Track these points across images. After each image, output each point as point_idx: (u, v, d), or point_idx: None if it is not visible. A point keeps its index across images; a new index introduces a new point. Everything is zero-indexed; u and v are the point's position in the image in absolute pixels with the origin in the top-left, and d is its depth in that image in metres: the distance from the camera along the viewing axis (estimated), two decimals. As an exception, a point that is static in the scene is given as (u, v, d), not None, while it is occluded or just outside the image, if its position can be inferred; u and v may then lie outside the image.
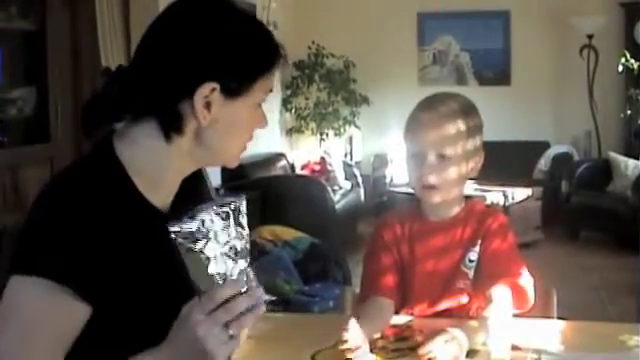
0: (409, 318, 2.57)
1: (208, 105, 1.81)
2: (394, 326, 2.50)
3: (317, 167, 10.66)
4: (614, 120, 10.82)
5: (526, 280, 2.54)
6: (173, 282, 1.81)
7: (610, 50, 10.64)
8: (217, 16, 1.86)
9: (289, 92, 11.19)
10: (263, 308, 1.76)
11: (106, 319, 1.78)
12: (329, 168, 10.49)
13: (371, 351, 2.30)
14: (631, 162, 9.77)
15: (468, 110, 2.61)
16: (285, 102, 11.18)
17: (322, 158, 10.70)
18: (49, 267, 1.70)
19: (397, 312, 2.63)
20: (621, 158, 9.97)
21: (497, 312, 2.33)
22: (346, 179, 10.55)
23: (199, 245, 1.63)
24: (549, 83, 11.25)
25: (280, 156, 10.21)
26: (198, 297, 1.66)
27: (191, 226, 1.64)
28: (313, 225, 7.96)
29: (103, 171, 1.84)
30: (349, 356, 2.21)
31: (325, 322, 2.73)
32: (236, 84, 1.84)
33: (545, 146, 10.90)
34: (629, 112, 10.42)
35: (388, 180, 10.96)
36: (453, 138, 2.53)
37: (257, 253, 7.09)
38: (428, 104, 2.62)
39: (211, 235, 1.64)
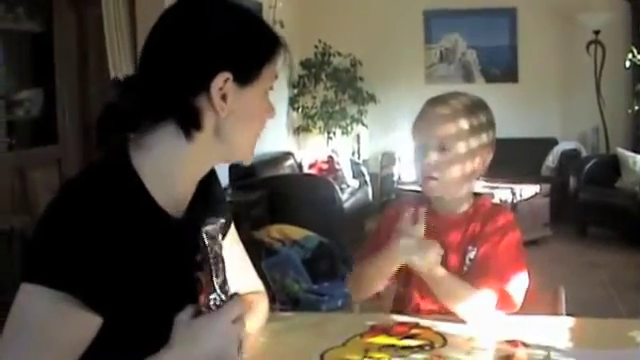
0: (416, 319, 2.57)
1: (224, 97, 1.84)
2: (402, 324, 2.50)
3: (325, 166, 10.65)
4: (622, 116, 10.79)
5: (516, 284, 2.54)
6: (183, 290, 1.82)
7: (617, 46, 10.62)
8: (218, 8, 1.89)
9: (296, 91, 11.19)
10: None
11: (117, 328, 1.79)
12: (337, 167, 10.48)
13: (380, 348, 2.30)
14: (639, 158, 9.75)
15: (475, 107, 2.62)
16: (292, 101, 11.19)
17: (330, 157, 10.70)
18: (60, 278, 1.70)
19: (403, 310, 2.64)
20: (629, 154, 9.95)
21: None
22: (354, 177, 10.54)
23: (216, 251, 1.69)
24: (556, 80, 11.23)
25: (288, 155, 10.20)
26: (208, 299, 1.71)
27: (217, 226, 1.69)
28: (321, 224, 7.96)
29: (117, 181, 1.84)
30: None
31: (334, 321, 2.73)
32: (247, 72, 1.87)
33: (553, 143, 10.89)
34: (637, 108, 10.39)
35: (396, 178, 10.96)
36: (455, 132, 2.55)
37: (266, 252, 7.11)
38: (434, 99, 2.65)
39: (219, 246, 1.70)
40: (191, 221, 1.90)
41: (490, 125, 2.64)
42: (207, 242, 1.72)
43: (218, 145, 1.91)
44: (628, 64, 10.31)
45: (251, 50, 1.89)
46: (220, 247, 1.77)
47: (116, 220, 1.77)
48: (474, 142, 2.58)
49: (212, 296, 1.76)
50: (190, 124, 1.85)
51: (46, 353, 1.71)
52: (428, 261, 2.51)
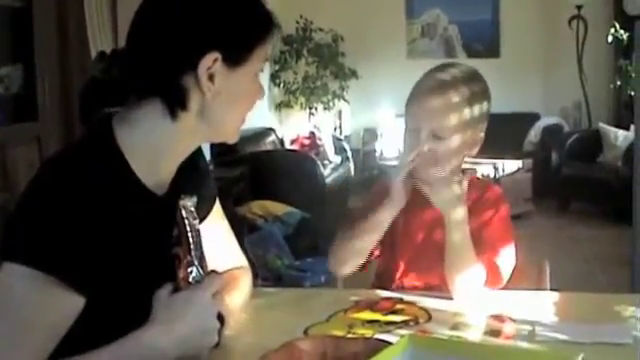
0: (400, 295, 2.56)
1: (211, 77, 1.81)
2: (386, 300, 2.49)
3: (306, 142, 10.65)
4: (604, 91, 10.82)
5: (504, 258, 2.52)
6: (165, 268, 1.81)
7: (599, 21, 10.63)
8: None
9: (277, 67, 11.16)
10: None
11: (99, 307, 1.77)
12: (319, 142, 10.48)
13: (363, 323, 2.29)
14: (621, 133, 9.78)
15: (466, 80, 2.55)
16: (273, 77, 11.16)
17: (311, 132, 10.70)
18: (41, 258, 1.68)
19: (385, 286, 2.62)
20: (611, 129, 9.98)
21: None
22: (336, 153, 10.55)
23: (195, 225, 1.69)
24: (538, 54, 11.24)
25: (269, 131, 10.18)
26: (187, 275, 1.71)
27: (193, 201, 1.68)
28: (303, 200, 7.96)
29: (100, 157, 1.82)
30: None
31: (317, 296, 2.71)
32: (236, 52, 1.84)
33: (535, 118, 10.92)
34: (619, 83, 10.41)
35: (378, 154, 10.97)
36: (447, 116, 2.49)
37: (248, 228, 7.10)
38: (426, 79, 2.58)
39: (197, 222, 1.70)
40: (172, 198, 1.89)
41: (484, 94, 2.59)
42: (184, 215, 1.71)
43: (202, 126, 1.88)
44: (610, 39, 10.32)
45: (242, 30, 1.86)
46: (197, 222, 1.76)
47: (98, 198, 1.75)
48: (465, 120, 2.52)
49: (190, 269, 1.75)
50: (175, 103, 1.83)
51: (28, 334, 1.70)
52: (448, 198, 2.47)
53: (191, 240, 1.74)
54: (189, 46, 1.81)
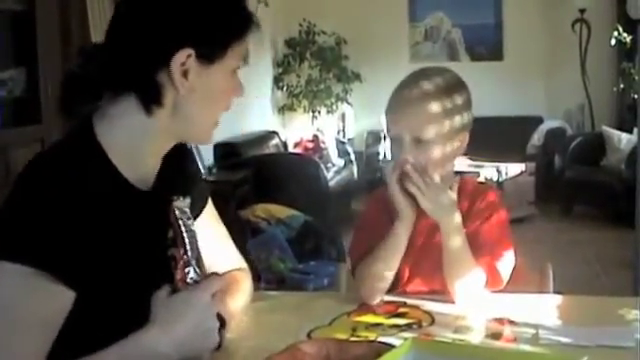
0: (404, 298, 2.55)
1: (185, 73, 1.82)
2: (389, 303, 2.49)
3: (310, 145, 10.65)
4: (607, 94, 10.81)
5: (504, 263, 2.51)
6: (157, 265, 1.82)
7: (602, 24, 10.62)
8: None
9: (280, 70, 11.17)
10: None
11: (92, 305, 1.78)
12: (322, 145, 10.48)
13: (367, 326, 2.29)
14: (624, 136, 9.77)
15: (449, 88, 2.53)
16: (277, 80, 11.16)
17: (315, 136, 10.69)
18: (29, 254, 1.69)
19: (391, 290, 2.61)
20: (614, 132, 9.96)
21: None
22: (339, 156, 10.55)
23: (190, 226, 1.69)
24: (541, 58, 11.23)
25: (272, 134, 10.18)
26: (184, 276, 1.72)
27: (187, 203, 1.69)
28: (307, 203, 7.95)
29: (81, 153, 1.83)
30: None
31: (321, 300, 2.71)
32: (210, 49, 1.85)
33: (538, 121, 10.90)
34: (622, 86, 10.41)
35: (381, 157, 10.96)
36: (430, 121, 2.46)
37: (251, 232, 7.10)
38: (405, 84, 2.56)
39: (192, 222, 1.71)
40: (159, 195, 1.91)
41: (468, 102, 2.57)
42: (178, 216, 1.71)
43: (176, 122, 1.89)
44: (613, 42, 10.32)
45: (217, 28, 1.87)
46: (192, 223, 1.76)
47: (82, 193, 1.76)
48: (451, 124, 2.51)
49: (187, 269, 1.76)
50: (150, 99, 1.84)
51: (21, 332, 1.70)
52: (441, 205, 2.46)
53: (186, 241, 1.74)
54: (162, 42, 1.82)
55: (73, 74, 1.91)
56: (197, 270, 1.77)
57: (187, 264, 1.75)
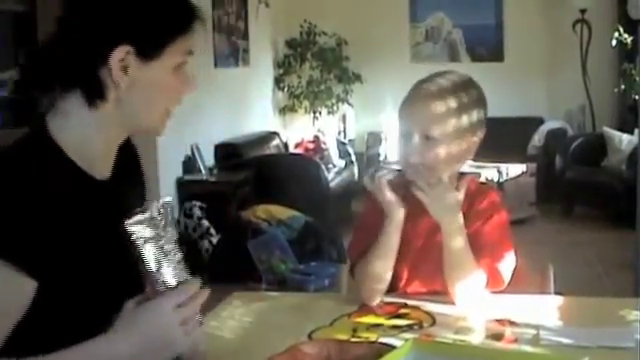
0: (404, 299, 2.55)
1: (125, 69, 1.85)
2: (390, 304, 2.49)
3: (311, 145, 10.65)
4: (608, 95, 10.79)
5: (505, 263, 2.51)
6: (115, 252, 1.84)
7: (603, 25, 10.61)
8: None
9: (281, 71, 11.16)
10: (206, 294, 1.84)
11: (54, 297, 1.79)
12: (323, 146, 10.48)
13: (368, 327, 2.29)
14: (625, 137, 9.77)
15: (459, 88, 2.54)
16: (277, 81, 11.15)
17: (316, 136, 10.69)
18: None
19: (391, 291, 2.61)
20: (615, 133, 9.96)
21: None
22: (340, 157, 10.55)
23: (154, 238, 1.69)
24: (542, 58, 11.22)
25: (273, 135, 10.18)
26: (155, 287, 1.72)
27: (146, 216, 1.69)
28: (307, 203, 7.95)
29: (36, 148, 1.87)
30: None
31: (321, 300, 2.71)
32: (149, 46, 1.87)
33: (539, 122, 10.89)
34: (623, 87, 10.40)
35: (382, 158, 10.96)
36: (439, 119, 2.48)
37: (252, 232, 7.10)
38: (418, 84, 2.58)
39: (161, 230, 1.70)
40: (116, 183, 1.97)
41: (478, 102, 2.58)
42: (133, 238, 1.72)
43: (122, 116, 1.92)
44: (614, 43, 10.32)
45: (154, 25, 1.89)
46: (164, 227, 1.75)
47: (39, 184, 1.79)
48: (459, 123, 2.52)
49: (158, 287, 1.75)
50: (94, 94, 1.87)
51: None
52: (445, 205, 2.46)
53: (149, 258, 1.74)
54: (100, 39, 1.84)
55: (25, 74, 1.95)
56: (167, 284, 1.76)
57: (155, 281, 1.75)
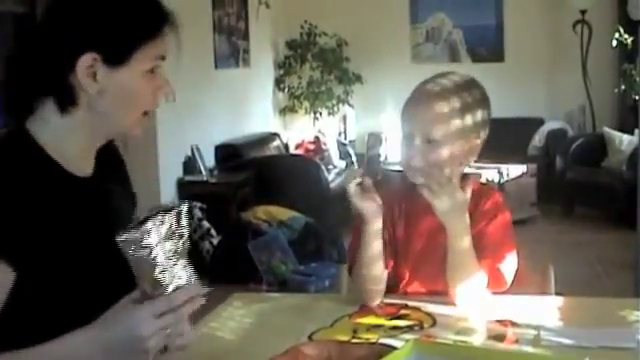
0: (405, 300, 2.55)
1: (94, 75, 1.87)
2: (390, 305, 2.49)
3: (311, 146, 10.65)
4: (608, 95, 10.79)
5: (507, 264, 2.51)
6: (97, 247, 1.85)
7: (603, 25, 10.61)
8: None
9: (282, 71, 11.16)
10: (201, 300, 1.81)
11: (33, 287, 1.81)
12: (323, 147, 10.48)
13: (368, 328, 2.29)
14: (626, 137, 9.76)
15: (462, 88, 2.54)
16: (278, 82, 11.15)
17: (316, 137, 10.70)
18: None
19: (391, 292, 2.61)
20: (616, 133, 9.96)
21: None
22: (340, 158, 10.55)
23: (145, 251, 1.68)
24: (543, 59, 11.21)
25: (274, 136, 10.18)
26: (145, 294, 1.72)
27: (136, 235, 1.69)
28: (308, 204, 7.95)
29: (15, 145, 1.90)
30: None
31: (322, 301, 2.71)
32: (115, 53, 1.89)
33: (539, 122, 10.89)
34: (623, 87, 10.39)
35: (382, 158, 10.95)
36: (441, 121, 2.47)
37: (252, 233, 7.10)
38: (420, 85, 2.57)
39: (155, 242, 1.69)
40: (98, 180, 2.00)
41: (480, 105, 2.57)
42: (125, 251, 1.72)
43: (95, 120, 1.94)
44: (615, 43, 10.31)
45: (120, 32, 1.90)
46: (147, 249, 1.73)
47: (21, 179, 1.83)
48: (461, 127, 2.51)
49: (155, 291, 1.75)
50: (65, 101, 1.90)
51: None
52: (453, 206, 2.43)
53: (139, 270, 1.74)
54: (67, 47, 1.87)
55: (5, 77, 1.97)
56: (175, 279, 1.76)
57: (144, 294, 1.75)
